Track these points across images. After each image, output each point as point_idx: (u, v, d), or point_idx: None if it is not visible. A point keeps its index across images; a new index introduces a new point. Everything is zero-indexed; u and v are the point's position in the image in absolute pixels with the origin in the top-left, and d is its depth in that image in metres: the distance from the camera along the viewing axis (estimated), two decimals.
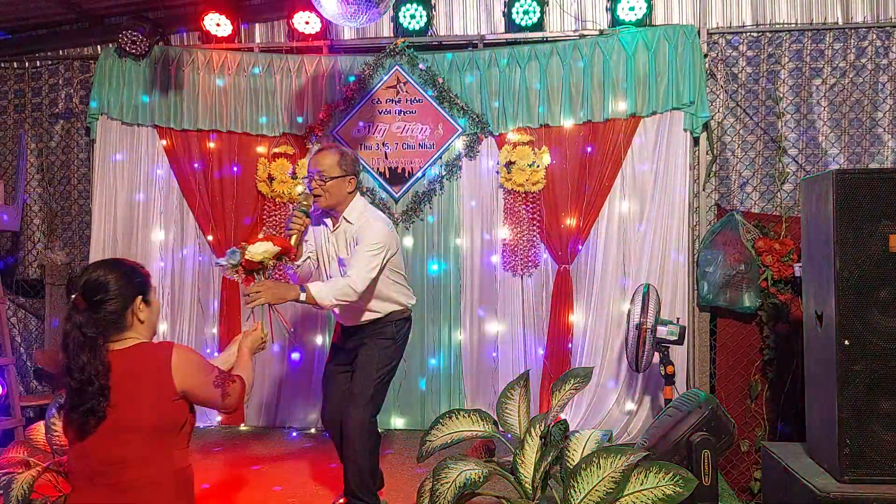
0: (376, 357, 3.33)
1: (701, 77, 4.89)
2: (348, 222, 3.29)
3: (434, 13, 5.31)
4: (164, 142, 5.38)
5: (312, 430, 5.16)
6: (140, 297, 2.14)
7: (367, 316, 3.37)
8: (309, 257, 3.34)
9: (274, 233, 5.26)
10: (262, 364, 5.33)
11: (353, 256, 3.18)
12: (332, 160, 3.24)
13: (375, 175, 5.22)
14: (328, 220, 3.38)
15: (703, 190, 5.03)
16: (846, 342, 3.06)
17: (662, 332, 4.33)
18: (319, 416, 3.79)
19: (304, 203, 3.21)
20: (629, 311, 4.53)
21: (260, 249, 2.78)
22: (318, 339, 5.27)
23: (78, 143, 5.71)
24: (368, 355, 3.33)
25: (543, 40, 5.17)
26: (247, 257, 2.79)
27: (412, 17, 5.19)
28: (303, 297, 3.03)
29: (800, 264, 4.15)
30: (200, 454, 4.56)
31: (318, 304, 3.09)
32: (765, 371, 4.80)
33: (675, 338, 4.30)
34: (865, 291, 3.07)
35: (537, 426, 2.64)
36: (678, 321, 4.42)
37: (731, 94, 5.08)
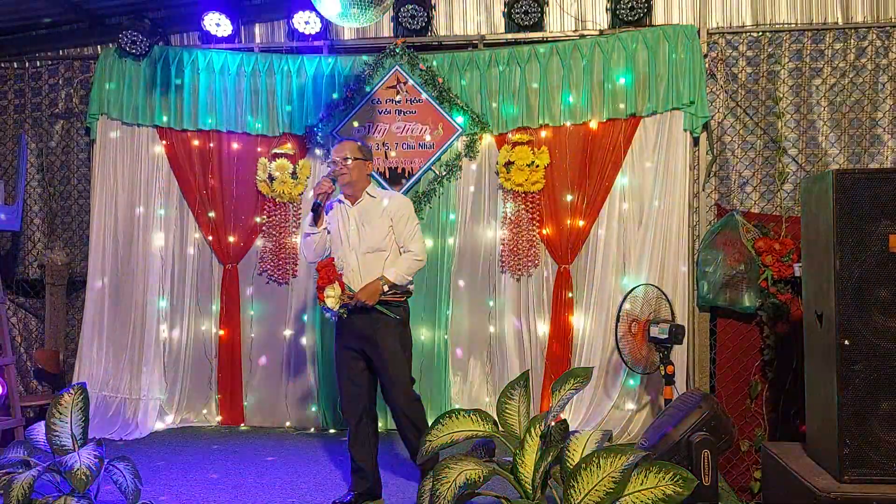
0: (399, 343, 3.66)
1: (701, 77, 4.89)
2: (371, 196, 3.77)
3: (434, 13, 5.31)
4: (164, 142, 5.38)
5: (312, 430, 5.16)
6: None
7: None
8: (326, 228, 3.77)
9: (274, 232, 5.28)
10: (262, 364, 5.34)
11: (403, 234, 3.71)
12: (354, 146, 3.77)
13: (375, 175, 5.22)
14: (345, 199, 3.79)
15: (703, 190, 5.03)
16: (846, 342, 3.06)
17: (654, 331, 4.33)
18: (340, 406, 3.87)
19: (333, 174, 3.73)
20: (619, 309, 4.55)
21: (332, 299, 3.54)
22: (317, 340, 5.28)
23: (78, 143, 5.71)
24: (392, 344, 3.63)
25: (543, 40, 5.17)
26: (335, 306, 3.54)
27: (412, 17, 5.18)
28: (386, 287, 3.59)
29: (800, 264, 4.15)
30: (200, 454, 4.57)
31: (397, 285, 3.61)
32: (765, 371, 4.80)
33: (666, 336, 4.29)
34: (865, 291, 3.06)
35: (537, 426, 2.64)
36: (673, 320, 4.42)
37: (731, 94, 5.08)
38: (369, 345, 3.62)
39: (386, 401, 3.75)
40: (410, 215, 3.76)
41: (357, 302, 3.54)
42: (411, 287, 3.78)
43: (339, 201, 3.81)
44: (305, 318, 5.29)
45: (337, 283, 3.56)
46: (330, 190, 3.70)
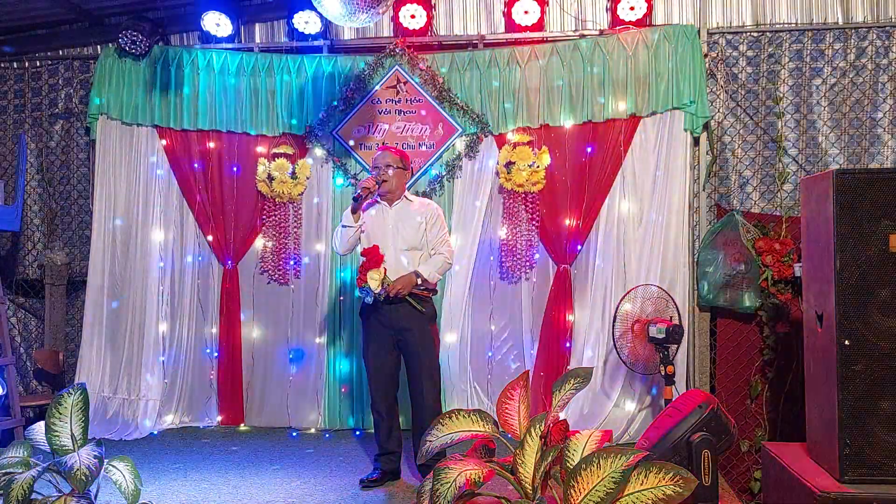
0: (429, 335, 3.94)
1: (701, 77, 4.89)
2: (409, 200, 4.07)
3: (434, 13, 5.31)
4: (163, 142, 5.38)
5: (312, 430, 5.16)
6: None
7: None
8: (361, 226, 3.99)
9: (274, 232, 5.28)
10: (262, 364, 5.34)
11: (435, 238, 4.00)
12: (396, 157, 4.04)
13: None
14: (382, 201, 4.04)
15: (703, 190, 5.03)
16: (846, 342, 3.06)
17: (653, 330, 4.33)
18: (370, 400, 4.03)
19: (378, 177, 3.97)
20: (616, 310, 4.55)
21: (375, 281, 3.76)
22: (317, 340, 5.28)
23: (78, 143, 5.71)
24: (423, 334, 3.90)
25: (543, 40, 5.17)
26: (377, 289, 3.76)
27: (412, 17, 5.19)
28: (419, 281, 3.86)
29: (800, 264, 4.15)
30: (200, 454, 4.57)
31: (428, 281, 3.90)
32: (765, 371, 4.80)
33: (663, 336, 4.29)
34: (865, 291, 3.06)
35: (537, 426, 2.64)
36: (671, 319, 4.42)
37: (732, 94, 5.08)
38: (402, 334, 3.88)
39: (412, 393, 3.93)
40: (442, 222, 4.07)
41: (391, 289, 3.78)
42: (435, 285, 4.04)
43: (377, 202, 4.05)
44: (306, 318, 5.29)
45: (382, 267, 3.80)
46: (374, 189, 3.94)
